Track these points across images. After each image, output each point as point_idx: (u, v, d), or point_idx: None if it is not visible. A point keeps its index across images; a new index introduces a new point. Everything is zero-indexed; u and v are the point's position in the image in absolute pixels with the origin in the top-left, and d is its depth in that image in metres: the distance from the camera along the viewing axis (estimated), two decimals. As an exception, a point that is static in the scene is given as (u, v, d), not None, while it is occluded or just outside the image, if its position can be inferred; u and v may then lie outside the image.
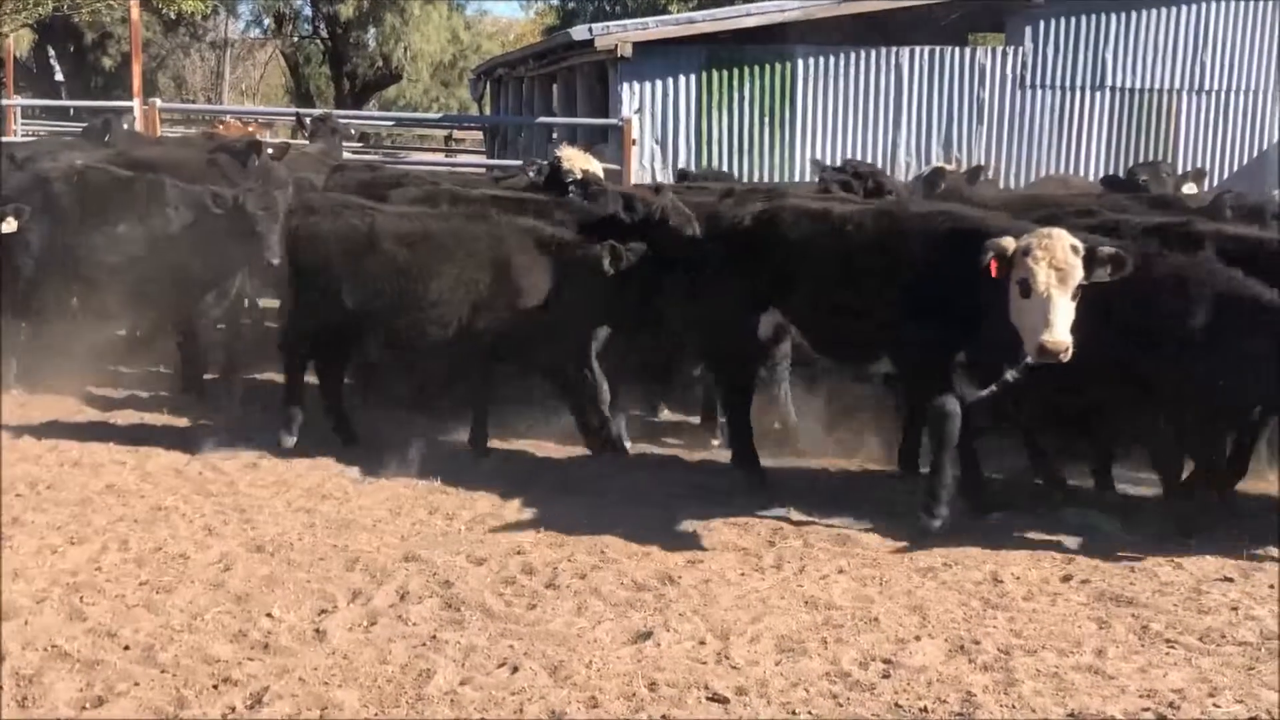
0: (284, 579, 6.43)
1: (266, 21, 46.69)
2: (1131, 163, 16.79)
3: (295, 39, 47.30)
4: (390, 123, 33.17)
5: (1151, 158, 16.89)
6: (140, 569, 6.52)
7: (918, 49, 16.48)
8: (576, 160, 10.15)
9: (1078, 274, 6.69)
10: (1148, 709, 5.26)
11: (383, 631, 5.85)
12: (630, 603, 6.22)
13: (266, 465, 8.52)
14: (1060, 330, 6.62)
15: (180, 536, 7.03)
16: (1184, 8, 16.99)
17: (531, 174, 10.52)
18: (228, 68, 51.45)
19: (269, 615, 5.97)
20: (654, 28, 15.71)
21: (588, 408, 8.69)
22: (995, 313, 6.95)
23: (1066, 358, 6.63)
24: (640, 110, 15.62)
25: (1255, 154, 17.24)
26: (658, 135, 15.80)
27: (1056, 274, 6.65)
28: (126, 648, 5.59)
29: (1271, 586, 6.69)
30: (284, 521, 7.35)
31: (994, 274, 6.76)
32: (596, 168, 10.30)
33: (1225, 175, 16.82)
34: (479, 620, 5.99)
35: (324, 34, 45.59)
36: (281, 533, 7.13)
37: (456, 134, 34.41)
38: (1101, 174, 16.63)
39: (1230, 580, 6.76)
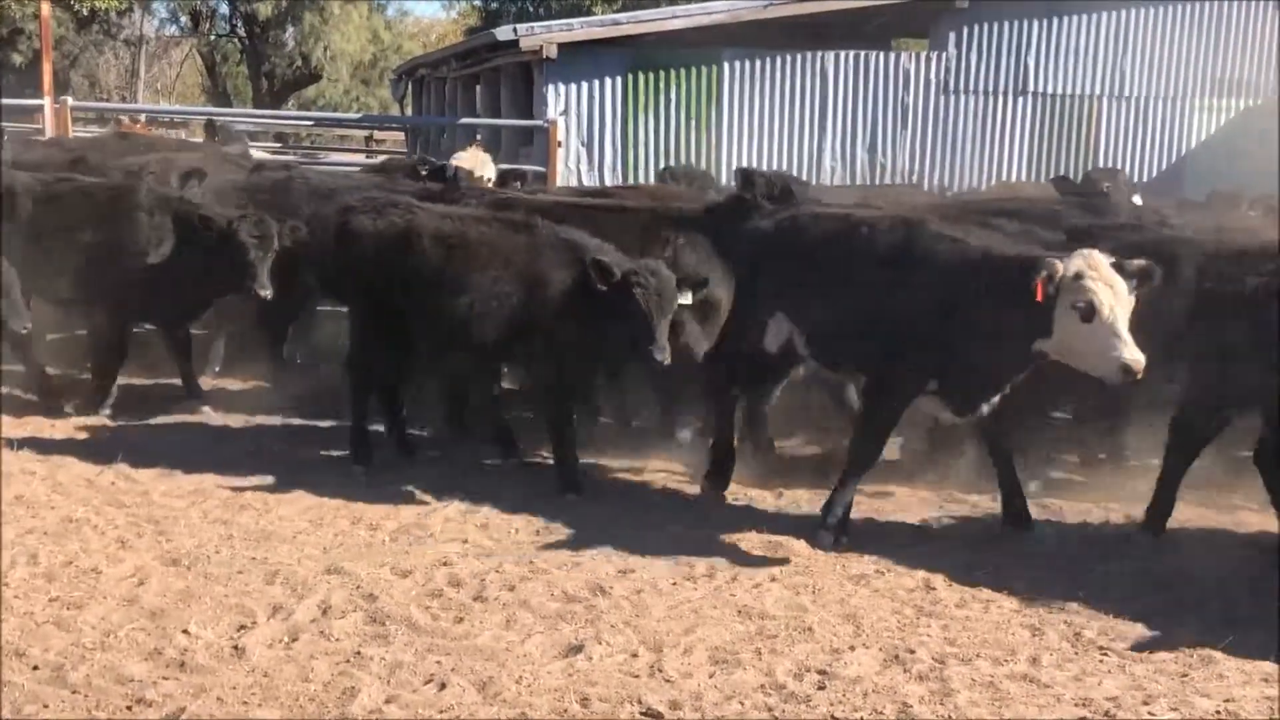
0: (201, 593, 6.20)
1: (183, 19, 45.89)
2: (1053, 168, 17.00)
3: (213, 37, 46.55)
4: (310, 123, 32.58)
5: (1073, 163, 17.11)
6: (50, 584, 6.24)
7: (843, 53, 16.49)
8: (463, 160, 10.07)
9: (1127, 290, 6.63)
10: (1084, 718, 5.22)
11: (304, 648, 5.66)
12: (561, 615, 6.08)
13: (181, 474, 8.25)
14: (1136, 349, 6.49)
15: (92, 550, 6.76)
16: (1105, 14, 17.16)
17: (423, 170, 10.40)
18: (143, 66, 50.46)
19: (185, 632, 5.75)
20: (579, 29, 15.57)
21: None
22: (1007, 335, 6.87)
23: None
24: (566, 112, 15.46)
25: (1174, 159, 17.49)
26: (584, 137, 15.65)
27: (1113, 292, 6.58)
28: (35, 668, 5.35)
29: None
30: (200, 533, 7.10)
31: (1039, 298, 6.59)
32: (486, 169, 10.17)
33: (1144, 180, 17.01)
34: (404, 635, 5.82)
35: (242, 32, 44.95)
36: (198, 545, 6.89)
37: (377, 134, 33.99)
38: (1023, 179, 16.82)
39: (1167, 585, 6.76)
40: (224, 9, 45.11)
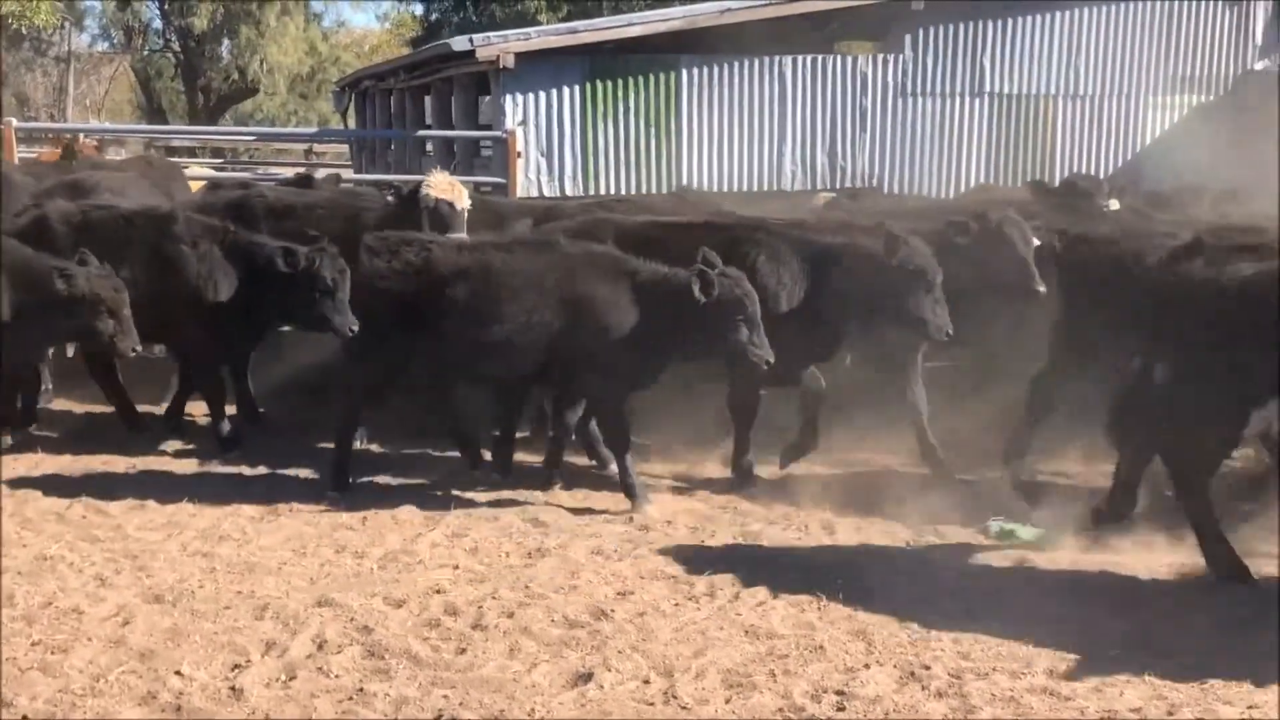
0: (189, 631, 5.98)
1: (115, 35, 45.13)
2: (1011, 168, 17.05)
3: (146, 53, 45.81)
4: (251, 138, 32.13)
5: (1030, 163, 17.15)
6: (30, 627, 5.99)
7: (801, 58, 16.40)
8: (439, 188, 9.69)
9: None
10: (1112, 731, 5.15)
11: (304, 686, 5.45)
12: (564, 641, 5.91)
13: (154, 506, 8.00)
14: None
15: (70, 589, 6.51)
16: (1058, 14, 17.20)
17: (390, 197, 9.98)
18: (72, 83, 49.60)
19: (178, 673, 5.52)
20: (536, 38, 15.39)
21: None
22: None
23: None
24: (524, 122, 15.27)
25: (1129, 157, 17.58)
26: (543, 147, 15.46)
27: None
28: (25, 718, 5.11)
29: (1209, 587, 6.66)
30: (181, 567, 6.86)
31: None
32: (460, 198, 9.80)
33: (1101, 178, 17.05)
34: (406, 668, 5.63)
35: (176, 47, 44.26)
36: (180, 580, 6.65)
37: (317, 148, 33.55)
38: (981, 181, 16.85)
39: (1169, 582, 6.71)
40: (157, 24, 44.45)
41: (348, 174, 20.21)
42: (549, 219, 10.00)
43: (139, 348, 8.46)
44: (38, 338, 8.70)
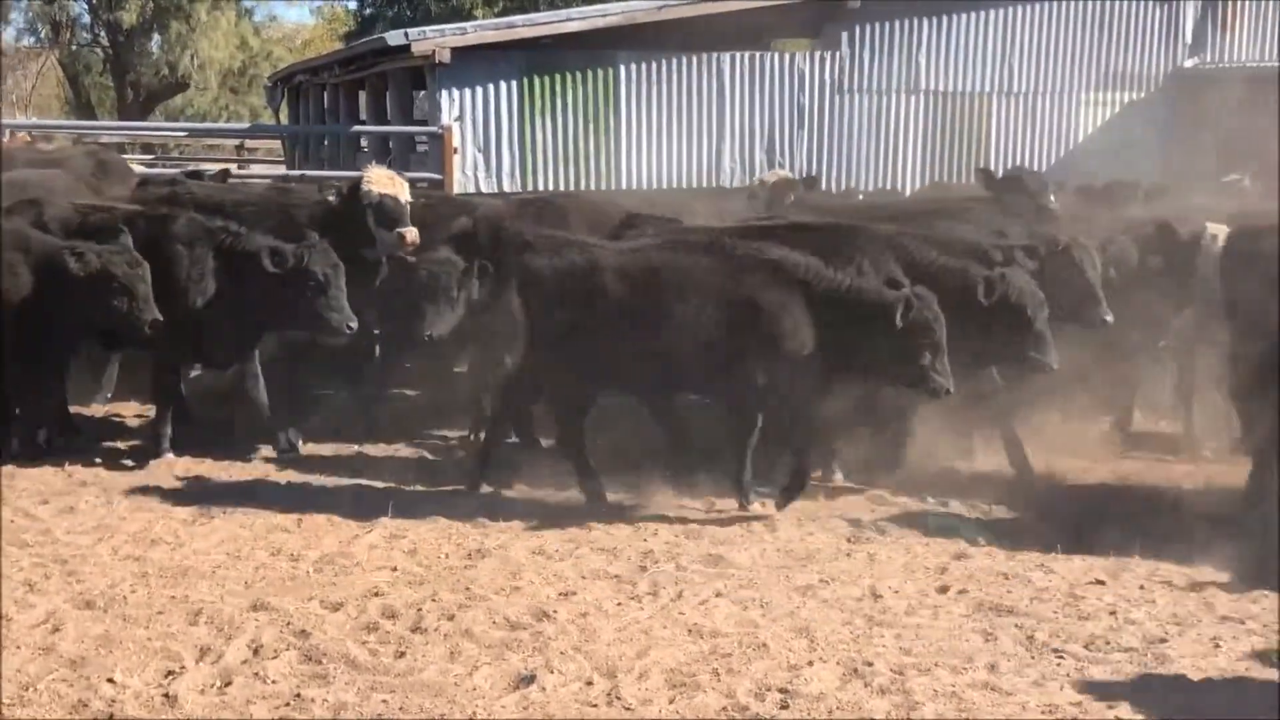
0: (122, 638, 5.84)
1: (42, 29, 44.28)
2: (947, 165, 17.16)
3: (74, 47, 44.97)
4: (182, 133, 31.66)
5: (965, 160, 17.27)
6: (-45, 636, 5.84)
7: (739, 54, 16.40)
8: (380, 182, 9.54)
9: None
10: (1053, 726, 5.16)
11: (240, 692, 5.35)
12: (506, 643, 5.84)
13: (85, 509, 7.83)
14: None
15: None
16: (993, 12, 17.34)
17: (330, 197, 9.79)
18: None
19: (110, 681, 5.39)
20: (473, 32, 15.25)
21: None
22: None
23: None
24: (460, 118, 15.12)
25: (1062, 154, 17.75)
26: (479, 143, 15.32)
27: None
28: (-51, 731, 4.98)
29: (1141, 587, 6.73)
30: (112, 572, 6.71)
31: None
32: (402, 190, 9.66)
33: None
34: (344, 673, 5.53)
35: (105, 42, 43.50)
36: (112, 585, 6.50)
37: (249, 143, 33.16)
38: (917, 177, 16.96)
39: (1102, 583, 6.76)
40: (85, 18, 43.65)
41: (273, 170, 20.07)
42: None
43: (159, 316, 8.23)
44: (62, 326, 8.51)
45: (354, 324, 8.40)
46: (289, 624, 6.03)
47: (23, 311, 8.36)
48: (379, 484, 8.44)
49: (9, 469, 8.49)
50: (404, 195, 9.55)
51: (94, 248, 8.32)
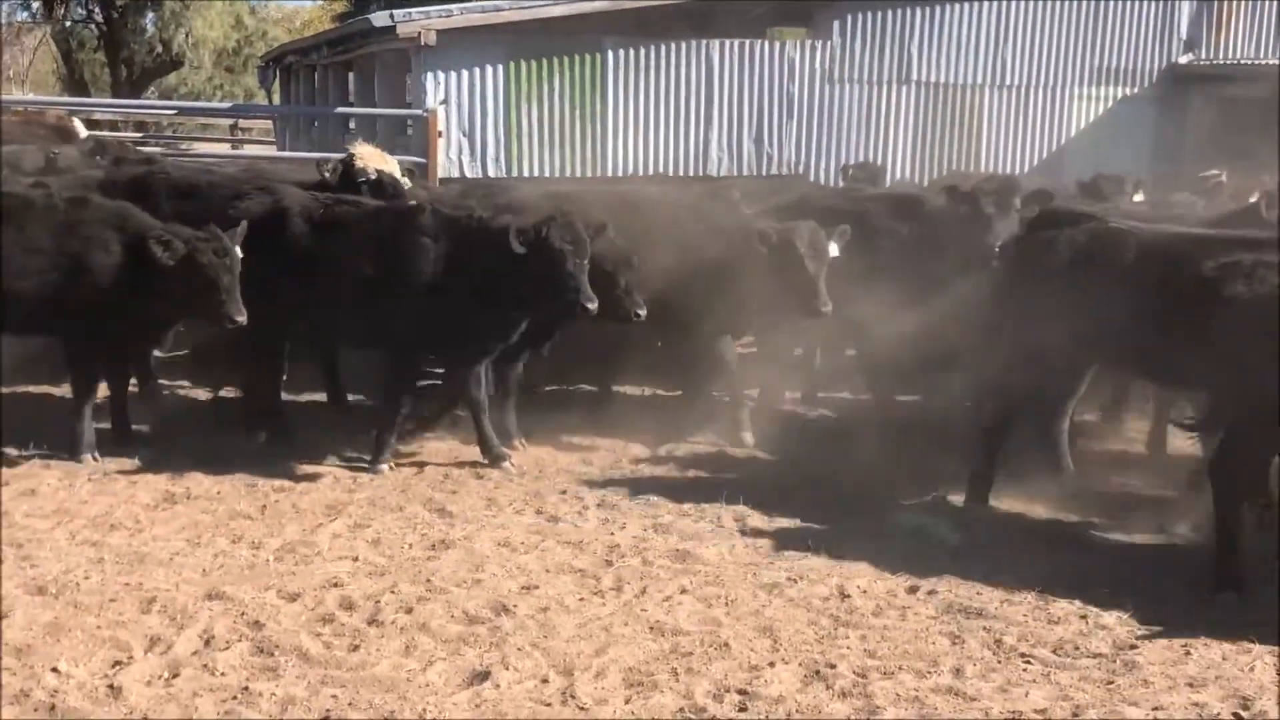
0: (71, 626, 5.73)
1: (36, 5, 44.01)
2: (937, 157, 17.01)
3: (68, 24, 44.71)
4: (173, 111, 31.47)
5: (956, 152, 17.13)
6: (-100, 622, 5.72)
7: (728, 42, 16.23)
8: (371, 159, 9.44)
9: None
10: (1015, 733, 5.06)
11: (186, 685, 5.24)
12: (463, 638, 5.73)
13: (46, 491, 7.71)
14: None
15: (-54, 580, 6.23)
16: (986, 4, 17.15)
17: (326, 174, 9.67)
18: (-3, 53, 48.36)
19: (55, 670, 5.30)
20: (459, 15, 15.08)
21: None
22: None
23: None
24: (446, 101, 14.96)
25: (1054, 148, 17.61)
26: (464, 127, 15.16)
27: None
28: (-117, 720, 4.86)
29: (1110, 592, 6.60)
30: (68, 558, 6.59)
31: None
32: (393, 166, 9.59)
33: (1025, 169, 17.08)
34: (295, 666, 5.43)
35: (99, 18, 43.26)
36: (65, 571, 6.38)
37: (243, 123, 32.97)
38: (907, 168, 16.81)
39: (1073, 588, 6.64)
40: (80, -7, 43.39)
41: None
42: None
43: (243, 317, 7.87)
44: (150, 313, 8.28)
45: (594, 303, 7.88)
46: (243, 614, 5.93)
47: (108, 291, 8.07)
48: (347, 471, 8.28)
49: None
50: (396, 170, 9.48)
51: (184, 233, 7.92)
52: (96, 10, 43.23)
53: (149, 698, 5.11)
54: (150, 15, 42.35)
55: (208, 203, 9.11)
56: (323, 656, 5.52)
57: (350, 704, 5.11)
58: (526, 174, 15.19)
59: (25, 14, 45.85)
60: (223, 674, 5.34)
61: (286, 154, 16.82)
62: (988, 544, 7.22)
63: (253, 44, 46.37)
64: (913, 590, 6.53)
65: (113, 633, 5.67)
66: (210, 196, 9.33)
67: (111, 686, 5.19)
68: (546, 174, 15.25)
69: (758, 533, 7.32)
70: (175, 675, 5.31)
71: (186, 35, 42.07)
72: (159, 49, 43.23)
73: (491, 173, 15.18)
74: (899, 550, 7.07)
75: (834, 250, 8.49)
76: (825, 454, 8.79)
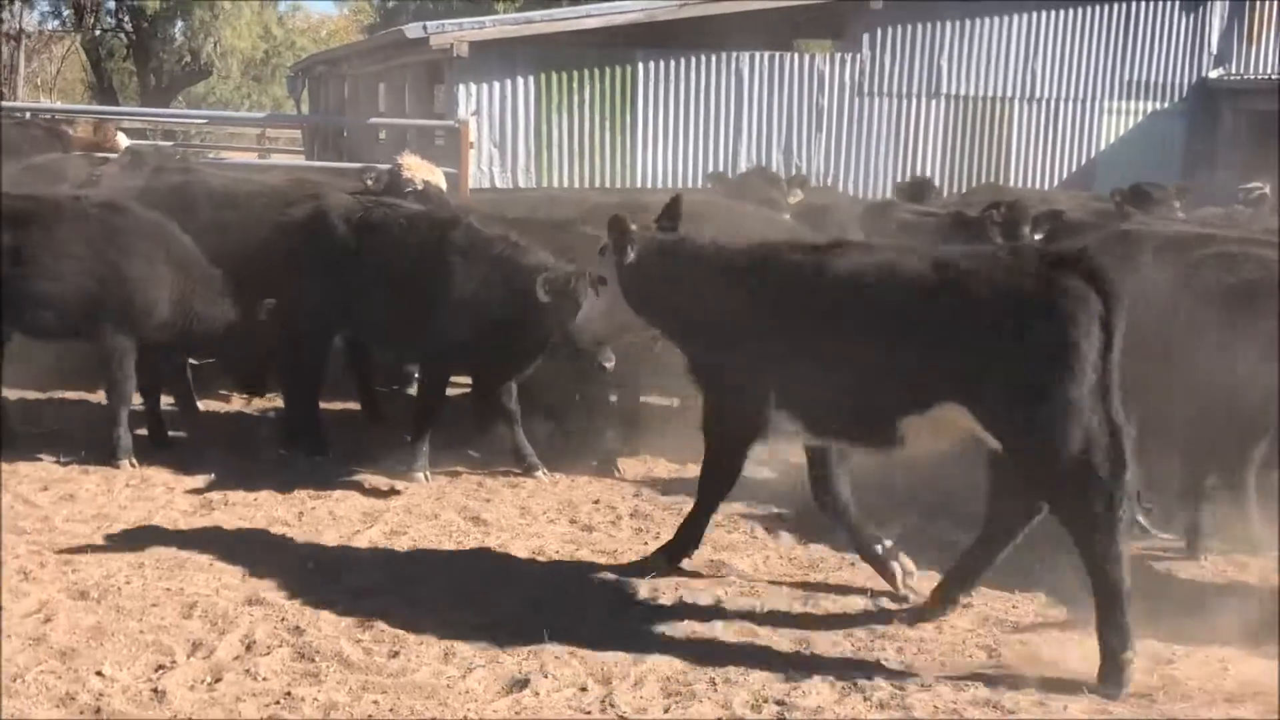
0: (113, 630, 5.79)
1: (66, 13, 44.41)
2: (967, 170, 17.02)
3: (97, 32, 45.07)
4: (203, 120, 31.66)
5: (985, 165, 17.14)
6: (-55, 624, 5.78)
7: (758, 54, 16.31)
8: (418, 170, 9.52)
9: None
10: (1054, 747, 5.06)
11: (229, 689, 5.29)
12: (501, 646, 5.76)
13: (85, 497, 7.78)
14: None
15: (-9, 583, 6.30)
16: (1016, 17, 17.21)
17: (369, 182, 9.78)
18: (22, 61, 48.79)
19: (99, 674, 5.35)
20: (491, 27, 15.19)
21: None
22: None
23: None
24: (477, 112, 15.08)
25: (1084, 161, 17.63)
26: (495, 138, 15.27)
27: None
28: (-67, 721, 4.92)
29: (1150, 607, 6.59)
30: (109, 562, 6.65)
31: None
32: (439, 178, 9.68)
33: (1055, 182, 17.13)
34: (337, 672, 5.47)
35: (128, 27, 43.61)
36: (107, 576, 6.45)
37: (270, 132, 33.19)
38: (936, 181, 16.79)
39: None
40: (110, 3, 43.76)
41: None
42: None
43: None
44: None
45: (611, 363, 7.77)
46: (283, 620, 5.98)
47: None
48: (384, 479, 8.33)
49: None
50: (441, 182, 9.57)
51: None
52: (126, 19, 43.59)
53: (193, 701, 5.16)
54: (179, 24, 42.66)
55: (244, 211, 9.21)
56: (363, 662, 5.56)
57: (391, 710, 5.15)
58: (556, 185, 15.27)
59: (56, 22, 46.33)
60: (265, 679, 5.38)
61: (330, 164, 16.85)
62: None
63: (280, 54, 46.72)
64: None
65: (155, 637, 5.73)
66: (248, 205, 9.43)
67: (155, 690, 5.24)
68: (576, 185, 15.32)
69: (791, 544, 7.34)
70: (218, 679, 5.36)
71: (215, 44, 42.36)
72: (187, 58, 43.56)
73: (522, 183, 15.29)
74: (932, 561, 7.06)
75: None
76: (857, 465, 8.76)
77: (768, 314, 6.20)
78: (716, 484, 6.69)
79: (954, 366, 5.76)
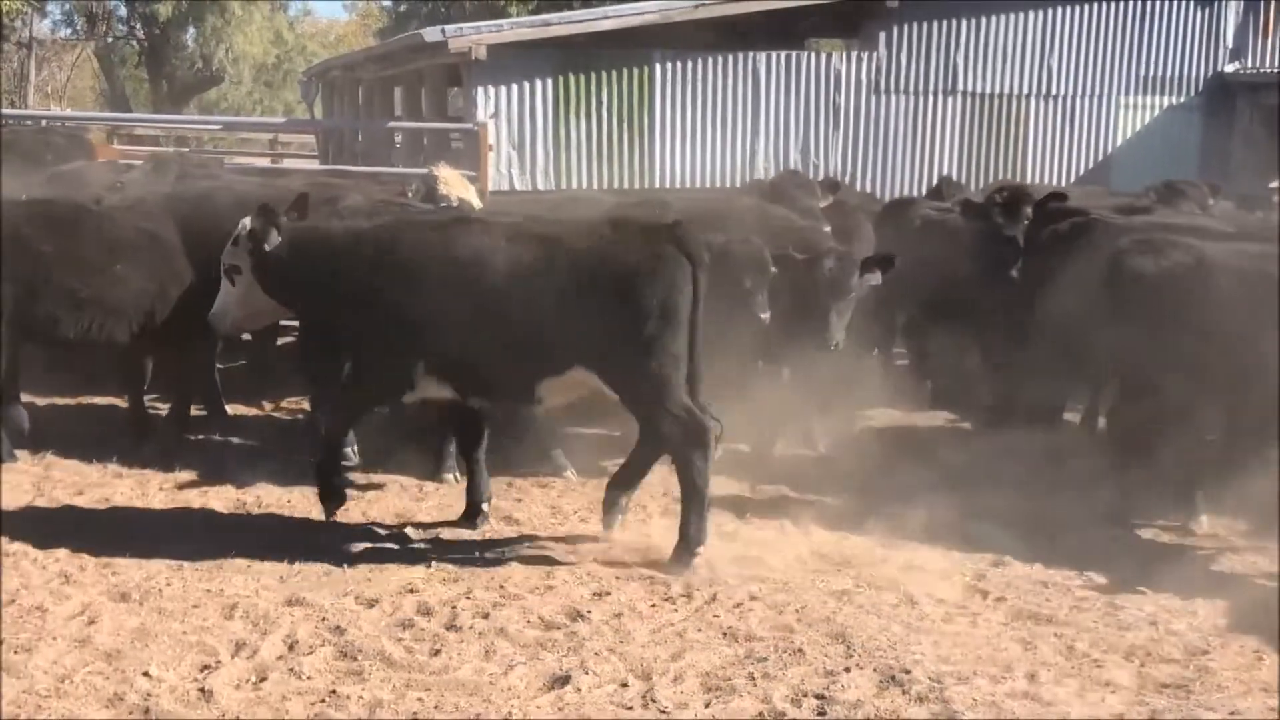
0: (157, 631, 5.85)
1: (78, 21, 44.59)
2: (984, 167, 17.03)
3: (109, 39, 45.26)
4: (218, 126, 31.76)
5: (1001, 162, 17.15)
6: (-8, 627, 5.85)
7: (774, 54, 16.34)
8: (454, 184, 9.55)
9: None
10: (1095, 738, 5.10)
11: (275, 688, 5.35)
12: (541, 643, 5.82)
13: (120, 501, 7.85)
14: None
15: (34, 586, 6.36)
16: (1032, 14, 17.20)
17: (410, 193, 9.85)
18: (33, 69, 48.97)
19: (146, 674, 5.41)
20: (509, 30, 15.24)
21: None
22: None
23: None
24: (496, 115, 15.13)
25: (1100, 158, 17.62)
26: (514, 140, 15.32)
27: None
28: (-13, 721, 4.98)
29: (1183, 598, 6.64)
30: (148, 565, 6.71)
31: None
32: (472, 195, 9.70)
33: (1071, 179, 17.11)
34: (380, 670, 5.53)
35: (140, 34, 43.80)
36: (147, 577, 6.51)
37: (282, 138, 33.27)
38: (952, 177, 16.81)
39: (1143, 593, 6.68)
40: (121, 10, 43.95)
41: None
42: None
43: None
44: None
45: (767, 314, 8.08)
46: (324, 619, 6.03)
47: None
48: (415, 480, 8.38)
49: (48, 459, 8.53)
50: (474, 199, 9.57)
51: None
52: (138, 26, 43.77)
53: (239, 700, 5.22)
54: (191, 31, 42.85)
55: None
56: (405, 660, 5.62)
57: (436, 707, 5.20)
58: (575, 187, 15.31)
59: (68, 30, 46.50)
60: (309, 677, 5.44)
61: (357, 170, 16.87)
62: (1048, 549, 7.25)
63: (292, 59, 46.92)
64: (982, 597, 6.58)
65: (199, 638, 5.79)
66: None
67: (202, 690, 5.30)
68: (595, 186, 15.35)
69: (823, 540, 7.38)
70: (263, 679, 5.42)
71: (227, 51, 42.56)
72: (199, 64, 43.74)
73: (541, 185, 15.34)
74: (965, 558, 7.12)
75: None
76: (887, 462, 8.79)
77: (400, 292, 6.84)
78: (338, 423, 7.45)
79: (575, 332, 6.66)
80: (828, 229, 9.70)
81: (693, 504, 6.79)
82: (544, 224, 7.25)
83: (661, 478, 8.52)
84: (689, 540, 6.77)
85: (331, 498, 7.30)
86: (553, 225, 7.21)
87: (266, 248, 7.16)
